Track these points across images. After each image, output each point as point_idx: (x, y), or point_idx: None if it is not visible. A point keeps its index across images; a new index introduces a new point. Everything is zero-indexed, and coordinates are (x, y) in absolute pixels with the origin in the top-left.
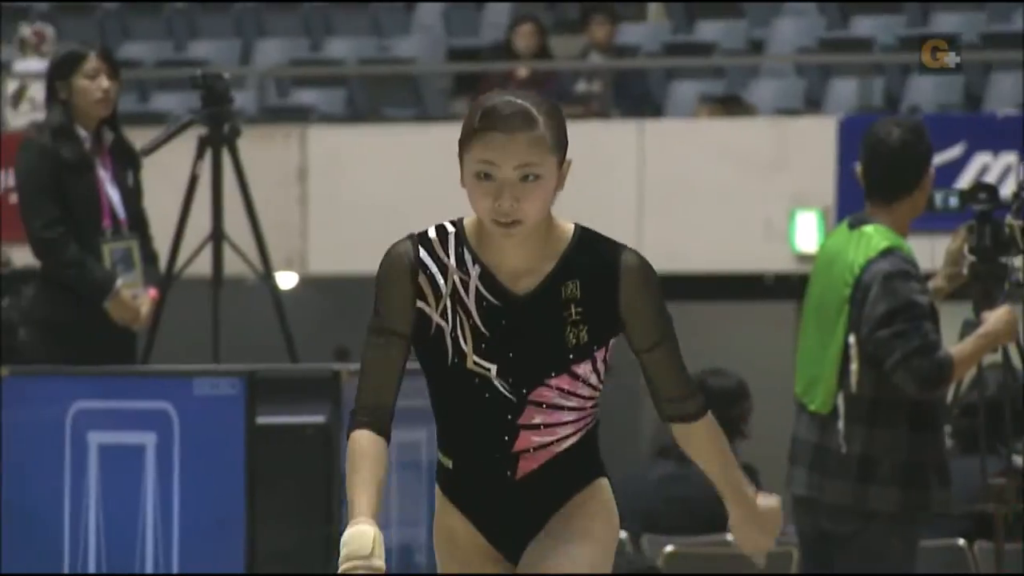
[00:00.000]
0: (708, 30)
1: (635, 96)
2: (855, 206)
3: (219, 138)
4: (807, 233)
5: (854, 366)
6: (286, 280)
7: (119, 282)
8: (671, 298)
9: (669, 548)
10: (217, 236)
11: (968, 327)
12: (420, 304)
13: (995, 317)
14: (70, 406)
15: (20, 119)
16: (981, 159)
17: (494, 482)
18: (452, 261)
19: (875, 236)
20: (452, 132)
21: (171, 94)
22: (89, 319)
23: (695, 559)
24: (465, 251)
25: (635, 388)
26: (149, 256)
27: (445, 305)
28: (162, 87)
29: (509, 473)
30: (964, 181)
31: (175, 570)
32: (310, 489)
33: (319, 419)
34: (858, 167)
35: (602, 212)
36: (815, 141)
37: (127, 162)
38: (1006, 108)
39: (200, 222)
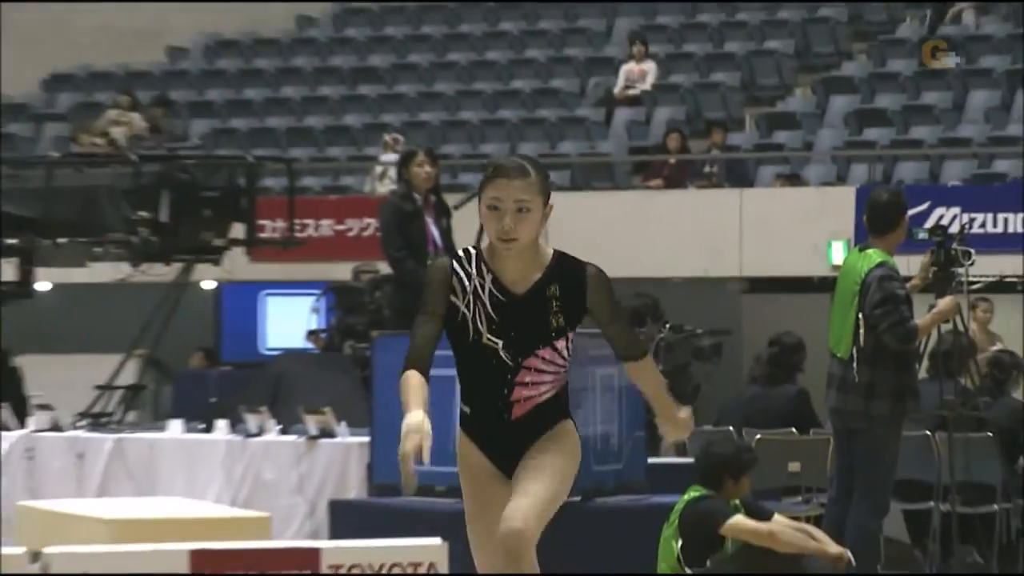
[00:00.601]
0: (780, 136)
1: (738, 175)
2: (864, 238)
3: None
4: (837, 253)
5: (862, 331)
6: None
7: None
8: (764, 291)
9: (758, 436)
10: None
11: (931, 309)
12: (453, 299)
13: (943, 302)
14: None
15: (383, 188)
16: (939, 211)
17: (498, 421)
18: (474, 270)
19: (873, 255)
20: (632, 197)
21: (461, 174)
22: None
23: (773, 443)
24: (483, 264)
25: (738, 342)
26: None
27: (468, 299)
28: (464, 169)
29: (507, 416)
30: (928, 223)
31: None
32: None
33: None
34: (864, 215)
35: (718, 242)
36: (843, 201)
37: (443, 213)
38: (954, 181)
39: None
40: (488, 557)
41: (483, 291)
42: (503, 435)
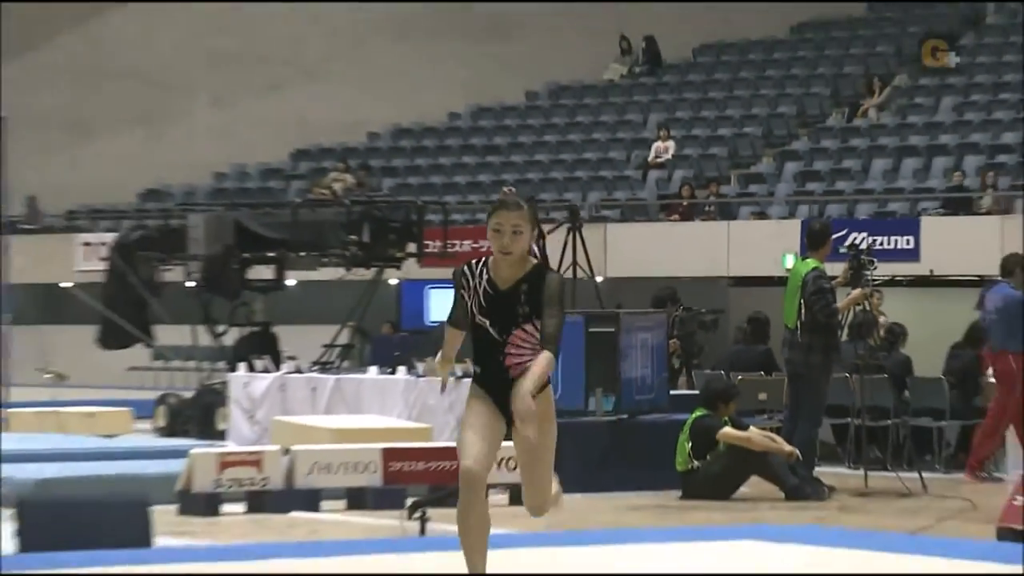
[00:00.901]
0: (753, 187)
1: (726, 212)
2: (804, 251)
3: (575, 228)
4: (789, 261)
5: (803, 311)
6: (598, 278)
7: None
8: (743, 285)
9: (739, 377)
10: (574, 263)
11: (847, 296)
12: (462, 291)
13: (855, 293)
14: None
15: None
16: (854, 235)
17: (500, 377)
18: (476, 273)
19: (810, 263)
20: (660, 226)
21: (552, 211)
22: None
23: (751, 382)
24: (484, 269)
25: (727, 318)
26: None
27: (469, 293)
28: (553, 209)
29: (505, 375)
30: (847, 243)
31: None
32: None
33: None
34: (805, 237)
35: (714, 254)
36: (792, 229)
37: (540, 236)
38: (863, 216)
39: (566, 258)
40: (467, 433)
41: (479, 287)
42: (503, 384)
